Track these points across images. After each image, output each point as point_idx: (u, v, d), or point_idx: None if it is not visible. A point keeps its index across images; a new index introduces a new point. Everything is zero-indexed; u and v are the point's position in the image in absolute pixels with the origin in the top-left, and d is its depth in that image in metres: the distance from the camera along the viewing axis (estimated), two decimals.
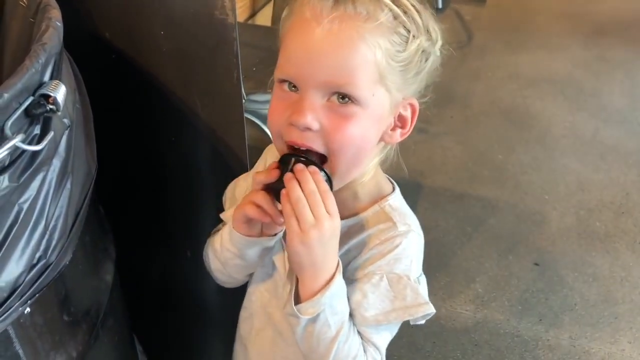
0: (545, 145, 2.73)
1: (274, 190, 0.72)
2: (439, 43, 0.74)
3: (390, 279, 0.75)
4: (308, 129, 0.69)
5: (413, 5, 0.70)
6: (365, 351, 0.76)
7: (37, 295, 0.70)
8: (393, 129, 0.76)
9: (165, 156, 1.13)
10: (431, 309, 0.76)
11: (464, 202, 2.37)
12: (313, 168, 0.70)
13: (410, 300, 0.75)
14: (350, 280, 0.76)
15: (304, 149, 0.71)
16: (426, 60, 0.73)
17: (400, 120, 0.76)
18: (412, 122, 0.76)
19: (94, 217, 0.90)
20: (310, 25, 0.67)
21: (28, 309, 0.70)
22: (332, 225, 0.69)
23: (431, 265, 2.06)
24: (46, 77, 0.67)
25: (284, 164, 0.71)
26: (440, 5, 3.49)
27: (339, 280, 0.72)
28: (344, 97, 0.69)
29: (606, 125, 2.88)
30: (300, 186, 0.68)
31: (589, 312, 1.97)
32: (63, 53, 0.77)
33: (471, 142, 2.72)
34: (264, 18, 2.88)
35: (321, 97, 0.69)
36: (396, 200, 0.80)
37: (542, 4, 3.89)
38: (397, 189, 0.82)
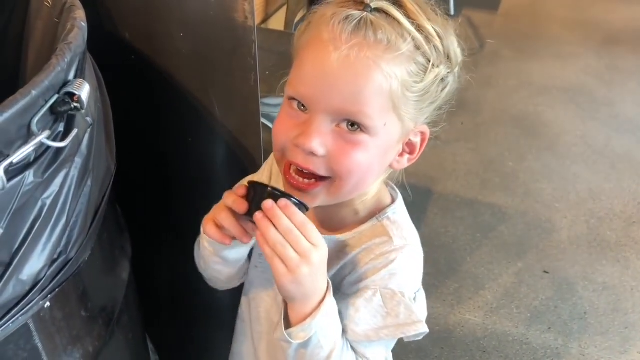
0: (556, 153, 2.73)
1: (244, 222, 0.69)
2: (458, 66, 0.72)
3: (384, 295, 0.73)
4: (313, 154, 0.67)
5: (436, 32, 0.68)
6: None
7: (57, 290, 0.71)
8: (401, 155, 0.74)
9: (181, 157, 1.14)
10: (424, 329, 0.73)
11: (474, 208, 2.37)
12: (283, 202, 0.65)
13: (404, 318, 0.72)
14: (344, 295, 0.75)
15: (306, 171, 0.69)
16: (443, 89, 0.71)
17: (409, 147, 0.74)
18: (420, 148, 0.74)
19: (112, 215, 0.92)
20: (328, 48, 0.64)
21: (48, 303, 0.71)
22: (320, 255, 0.66)
23: (441, 272, 2.07)
24: (71, 76, 0.69)
25: (254, 192, 0.68)
26: (452, 12, 3.50)
27: (329, 301, 0.69)
28: (354, 125, 0.66)
29: (618, 134, 2.87)
30: (274, 225, 0.65)
31: (598, 321, 1.96)
32: (86, 53, 0.78)
33: (482, 149, 2.73)
34: (277, 22, 2.90)
35: (330, 122, 0.66)
36: (396, 212, 0.78)
37: (554, 12, 3.90)
38: (398, 200, 0.80)
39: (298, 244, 0.65)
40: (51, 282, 0.70)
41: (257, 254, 0.86)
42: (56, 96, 0.65)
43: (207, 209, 1.21)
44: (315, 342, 0.69)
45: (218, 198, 1.19)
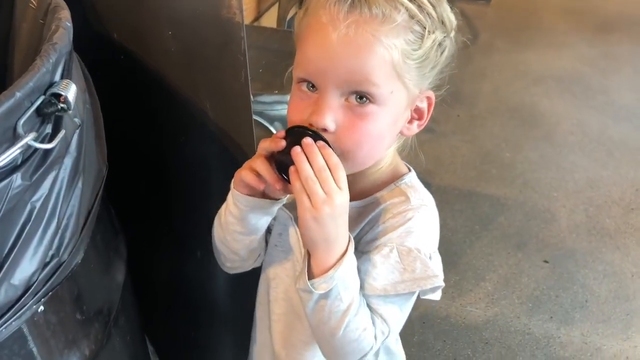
0: (552, 142, 2.73)
1: (279, 162, 0.72)
2: (454, 30, 0.75)
3: (400, 251, 0.75)
4: (325, 130, 0.70)
5: (428, 0, 0.70)
6: (373, 323, 0.76)
7: (50, 293, 0.71)
8: (410, 122, 0.77)
9: (174, 156, 1.13)
10: (440, 282, 0.75)
11: (472, 200, 2.37)
12: (321, 143, 0.69)
13: (420, 273, 0.74)
14: (362, 252, 0.77)
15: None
16: (442, 53, 0.74)
17: (417, 112, 0.77)
18: (428, 113, 0.77)
19: (104, 216, 0.91)
20: (327, 29, 0.68)
21: (42, 307, 0.71)
22: (343, 199, 0.69)
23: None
24: (57, 77, 0.68)
25: (292, 135, 0.71)
26: None
27: (351, 255, 0.72)
28: (362, 97, 0.70)
29: (614, 122, 2.87)
30: (309, 161, 0.68)
31: (600, 308, 1.96)
32: (73, 53, 0.77)
33: (478, 140, 2.72)
34: (270, 20, 2.89)
35: (339, 97, 0.70)
36: (412, 179, 0.81)
37: (546, 2, 3.89)
38: (413, 171, 0.83)
39: (326, 183, 0.68)
40: (44, 285, 0.69)
41: (276, 233, 0.87)
42: (42, 97, 0.64)
43: (202, 207, 1.20)
44: (336, 294, 0.71)
45: (212, 197, 1.19)
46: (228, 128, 1.05)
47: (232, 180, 0.79)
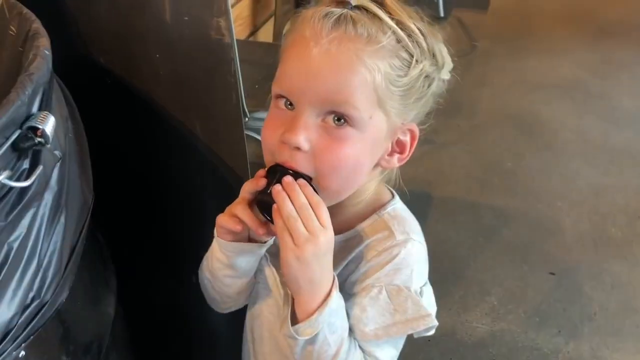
0: (554, 150, 2.69)
1: (261, 201, 0.70)
2: (447, 67, 0.72)
3: (389, 291, 0.72)
4: (298, 148, 0.67)
5: (419, 29, 0.68)
6: None
7: (32, 337, 0.67)
8: (390, 154, 0.74)
9: (165, 181, 1.10)
10: (433, 322, 0.72)
11: (475, 212, 2.33)
12: (302, 181, 0.67)
13: (412, 313, 0.71)
14: (349, 294, 0.74)
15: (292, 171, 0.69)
16: (429, 85, 0.71)
17: (399, 146, 0.73)
18: (411, 148, 0.74)
19: (92, 248, 0.87)
20: (309, 44, 0.65)
21: (23, 352, 0.67)
22: (327, 237, 0.67)
23: (444, 279, 2.02)
24: (34, 109, 0.65)
25: (272, 174, 0.69)
26: (442, 14, 3.46)
27: (336, 296, 0.69)
28: (340, 119, 0.67)
29: (616, 128, 2.83)
30: (290, 200, 0.66)
31: (609, 321, 1.91)
32: (53, 81, 0.74)
33: (479, 150, 2.68)
34: (266, 35, 2.86)
35: (316, 116, 0.67)
36: (396, 207, 0.78)
37: (544, 8, 3.87)
38: (397, 196, 0.80)
39: (309, 221, 0.66)
40: (25, 329, 0.65)
41: (258, 270, 0.84)
42: (18, 132, 0.61)
43: (195, 232, 1.17)
44: (323, 338, 0.68)
45: (206, 222, 1.15)
46: (220, 151, 1.02)
47: (215, 227, 0.77)
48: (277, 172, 0.69)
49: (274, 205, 0.67)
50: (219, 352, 1.32)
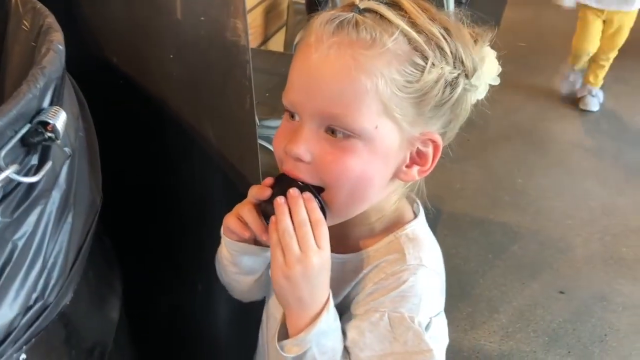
0: (566, 168, 2.66)
1: (264, 210, 0.69)
2: (488, 74, 0.68)
3: (392, 318, 0.67)
4: (300, 159, 0.64)
5: (442, 32, 0.63)
6: None
7: (33, 339, 0.64)
8: (409, 166, 0.68)
9: (175, 185, 1.08)
10: (433, 358, 0.67)
11: (484, 228, 2.30)
12: (308, 195, 0.65)
13: (412, 346, 0.66)
14: (350, 315, 0.70)
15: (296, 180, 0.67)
16: (451, 92, 0.65)
17: (420, 157, 0.68)
18: (434, 159, 0.68)
19: (98, 250, 0.85)
20: (310, 50, 0.62)
21: (24, 356, 0.64)
22: (321, 260, 0.64)
23: (453, 295, 1.98)
24: (45, 103, 0.63)
25: (280, 184, 0.67)
26: None
27: (326, 317, 0.66)
28: (343, 132, 0.63)
29: (628, 147, 2.80)
30: (290, 214, 0.64)
31: (620, 343, 1.87)
32: (65, 78, 0.72)
33: (490, 166, 2.66)
34: (276, 45, 2.86)
35: (317, 128, 0.64)
36: (415, 230, 0.72)
37: (556, 26, 3.84)
38: (420, 216, 0.74)
39: (304, 240, 0.63)
40: (26, 331, 0.63)
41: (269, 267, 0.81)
42: (28, 126, 0.59)
43: (204, 239, 1.15)
44: (311, 357, 0.66)
45: (215, 227, 1.13)
46: (232, 156, 1.00)
47: (222, 226, 0.75)
48: (284, 182, 0.66)
49: (272, 218, 0.65)
50: (224, 359, 1.29)
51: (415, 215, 0.74)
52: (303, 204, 0.64)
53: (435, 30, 0.63)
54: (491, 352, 1.84)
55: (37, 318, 0.64)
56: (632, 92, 3.22)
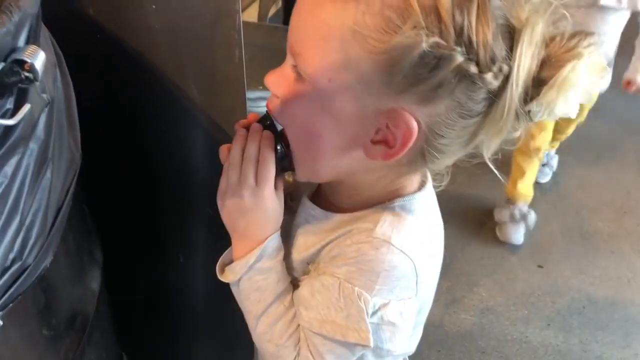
0: None
1: None
2: (494, 65, 0.54)
3: (343, 288, 0.63)
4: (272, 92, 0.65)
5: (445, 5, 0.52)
6: (298, 353, 0.67)
7: (11, 304, 0.58)
8: (375, 143, 0.60)
9: (155, 149, 1.01)
10: (366, 342, 0.63)
11: (462, 203, 2.29)
12: (267, 133, 0.66)
13: (352, 321, 0.63)
14: (310, 271, 0.70)
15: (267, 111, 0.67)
16: (433, 69, 0.53)
17: (389, 137, 0.59)
18: (403, 145, 0.58)
19: (78, 215, 0.79)
20: None
21: (0, 322, 0.58)
22: (254, 198, 0.66)
23: None
24: (21, 42, 0.56)
25: (262, 118, 0.69)
26: None
27: (260, 254, 0.67)
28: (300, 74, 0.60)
29: (602, 123, 2.82)
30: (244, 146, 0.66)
31: (598, 315, 1.89)
32: (40, 19, 0.65)
33: None
34: (251, 15, 2.78)
35: (291, 65, 0.61)
36: (405, 205, 0.66)
37: None
38: (425, 191, 0.68)
39: (244, 174, 0.65)
40: (3, 295, 0.57)
41: None
42: (1, 64, 0.53)
43: (186, 207, 1.09)
44: (243, 288, 0.68)
45: (197, 194, 1.07)
46: (218, 116, 0.94)
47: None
48: (263, 118, 0.67)
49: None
50: (205, 337, 1.24)
51: (419, 189, 0.69)
52: (257, 140, 0.65)
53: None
54: (472, 325, 1.84)
55: (15, 282, 0.58)
56: None
